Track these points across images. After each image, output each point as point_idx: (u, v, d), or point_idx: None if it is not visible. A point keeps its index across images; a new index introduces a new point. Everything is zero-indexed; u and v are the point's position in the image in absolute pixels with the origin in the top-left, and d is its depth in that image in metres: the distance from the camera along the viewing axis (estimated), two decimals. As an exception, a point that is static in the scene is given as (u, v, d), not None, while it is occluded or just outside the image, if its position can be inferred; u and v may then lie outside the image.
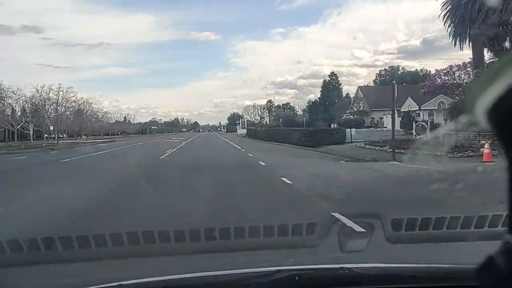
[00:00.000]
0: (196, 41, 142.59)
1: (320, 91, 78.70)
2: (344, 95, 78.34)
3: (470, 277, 1.23)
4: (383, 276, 1.58)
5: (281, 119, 71.42)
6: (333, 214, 5.58)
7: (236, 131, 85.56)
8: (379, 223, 3.65)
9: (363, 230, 3.79)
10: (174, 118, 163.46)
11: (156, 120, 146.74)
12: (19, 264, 3.61)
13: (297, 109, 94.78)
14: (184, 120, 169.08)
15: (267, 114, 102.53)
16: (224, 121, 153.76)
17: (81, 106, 70.75)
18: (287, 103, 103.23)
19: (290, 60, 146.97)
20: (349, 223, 4.66)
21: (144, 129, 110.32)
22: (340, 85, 79.70)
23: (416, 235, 4.02)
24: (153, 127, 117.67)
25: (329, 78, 79.03)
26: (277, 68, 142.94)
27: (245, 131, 71.10)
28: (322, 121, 59.31)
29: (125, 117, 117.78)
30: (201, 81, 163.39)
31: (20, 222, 6.23)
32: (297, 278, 1.47)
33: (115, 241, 3.83)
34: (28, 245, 3.84)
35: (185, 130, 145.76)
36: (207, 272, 1.70)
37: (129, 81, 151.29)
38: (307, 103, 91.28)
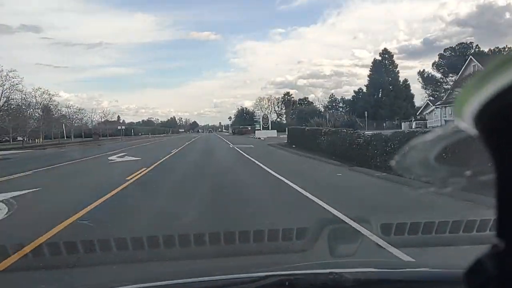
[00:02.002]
0: (196, 41, 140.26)
1: (368, 76, 56.43)
2: (401, 81, 55.41)
3: (459, 281, 1.24)
4: (372, 281, 1.58)
5: (335, 119, 49.83)
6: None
7: (254, 133, 54.64)
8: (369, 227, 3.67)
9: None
10: (171, 117, 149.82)
11: (152, 119, 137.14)
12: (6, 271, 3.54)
13: (317, 105, 78.82)
14: (183, 119, 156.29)
15: (283, 109, 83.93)
16: (224, 121, 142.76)
17: (38, 99, 50.82)
18: (305, 98, 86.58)
19: (290, 60, 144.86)
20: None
21: (129, 130, 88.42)
22: (396, 67, 55.33)
23: (405, 239, 4.05)
24: (123, 127, 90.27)
25: (380, 58, 56.03)
26: (277, 68, 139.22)
27: (282, 136, 36.71)
28: (364, 119, 43.87)
29: (118, 116, 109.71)
30: (201, 81, 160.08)
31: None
32: (287, 283, 1.47)
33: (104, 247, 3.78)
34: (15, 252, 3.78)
35: (183, 130, 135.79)
36: (195, 278, 1.69)
37: (129, 81, 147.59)
38: (327, 97, 75.70)
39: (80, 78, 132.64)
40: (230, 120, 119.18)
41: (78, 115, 68.94)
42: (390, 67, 55.54)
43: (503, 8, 70.38)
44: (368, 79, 56.75)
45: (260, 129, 54.16)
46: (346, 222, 5.03)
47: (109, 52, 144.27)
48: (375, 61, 56.59)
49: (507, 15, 73.09)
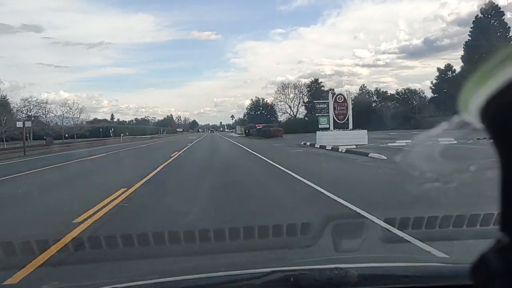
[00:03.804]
0: (196, 41, 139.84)
1: (464, 44, 37.19)
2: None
3: (463, 275, 1.24)
4: (377, 276, 1.58)
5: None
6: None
7: (316, 139, 24.50)
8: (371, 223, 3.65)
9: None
10: (167, 116, 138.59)
11: (148, 118, 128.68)
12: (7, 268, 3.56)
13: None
14: (181, 118, 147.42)
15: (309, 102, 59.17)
16: (225, 120, 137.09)
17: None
18: (330, 89, 62.30)
19: (291, 60, 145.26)
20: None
21: (106, 130, 66.41)
22: (508, 31, 35.90)
23: (410, 234, 4.05)
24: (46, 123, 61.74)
25: (482, 15, 36.53)
26: (277, 67, 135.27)
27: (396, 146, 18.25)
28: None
29: (112, 114, 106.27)
30: (201, 81, 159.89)
31: None
32: (292, 279, 1.47)
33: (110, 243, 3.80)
34: (22, 249, 3.81)
35: (181, 130, 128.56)
36: (201, 274, 1.69)
37: (129, 81, 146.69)
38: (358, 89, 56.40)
39: (81, 78, 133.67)
40: (232, 119, 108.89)
41: (40, 110, 54.18)
42: (500, 30, 34.90)
43: (504, 8, 68.55)
44: (464, 47, 36.95)
45: (328, 127, 24.85)
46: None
47: (109, 51, 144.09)
48: (477, 21, 36.37)
49: (508, 15, 71.71)
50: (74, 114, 61.79)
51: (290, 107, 62.51)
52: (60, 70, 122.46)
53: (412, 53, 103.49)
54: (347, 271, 1.48)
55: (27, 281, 3.38)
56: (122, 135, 59.38)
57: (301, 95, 62.73)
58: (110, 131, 59.04)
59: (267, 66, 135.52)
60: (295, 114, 60.43)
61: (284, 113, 65.31)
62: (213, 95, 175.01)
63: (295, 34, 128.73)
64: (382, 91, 64.40)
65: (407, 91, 62.16)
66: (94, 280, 2.10)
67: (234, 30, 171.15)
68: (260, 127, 49.87)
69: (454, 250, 3.65)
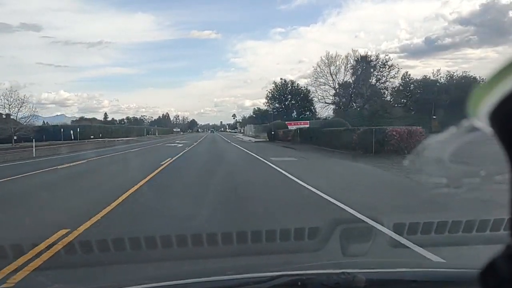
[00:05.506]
0: (196, 40, 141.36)
1: None
2: None
3: (472, 281, 1.23)
4: (385, 281, 1.57)
5: None
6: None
7: None
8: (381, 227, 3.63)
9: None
10: (163, 115, 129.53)
11: (145, 117, 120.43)
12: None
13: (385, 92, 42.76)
14: (180, 117, 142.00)
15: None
16: (226, 120, 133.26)
17: None
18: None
19: (291, 60, 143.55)
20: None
21: (73, 130, 48.12)
22: None
23: (418, 239, 4.01)
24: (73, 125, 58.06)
25: None
26: (278, 67, 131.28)
27: None
28: None
29: (105, 113, 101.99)
30: (201, 81, 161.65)
31: None
32: (299, 283, 1.47)
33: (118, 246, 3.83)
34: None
35: (179, 130, 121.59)
36: (208, 277, 1.70)
37: (129, 80, 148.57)
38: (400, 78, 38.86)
39: (81, 78, 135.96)
40: (234, 118, 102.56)
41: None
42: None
43: (506, 7, 67.30)
44: None
45: None
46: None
47: (109, 51, 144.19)
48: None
49: (511, 14, 70.21)
50: (12, 109, 44.93)
51: (338, 94, 39.61)
52: (60, 70, 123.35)
53: (413, 52, 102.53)
54: (354, 275, 1.47)
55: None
56: (93, 136, 46.16)
57: (353, 77, 40.42)
58: (71, 132, 43.32)
59: (267, 66, 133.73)
60: (345, 106, 38.41)
61: (328, 104, 42.85)
62: (213, 95, 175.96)
63: (295, 33, 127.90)
64: (431, 80, 45.59)
65: (463, 79, 45.67)
66: (98, 283, 2.11)
67: (234, 29, 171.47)
68: (302, 124, 29.46)
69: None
